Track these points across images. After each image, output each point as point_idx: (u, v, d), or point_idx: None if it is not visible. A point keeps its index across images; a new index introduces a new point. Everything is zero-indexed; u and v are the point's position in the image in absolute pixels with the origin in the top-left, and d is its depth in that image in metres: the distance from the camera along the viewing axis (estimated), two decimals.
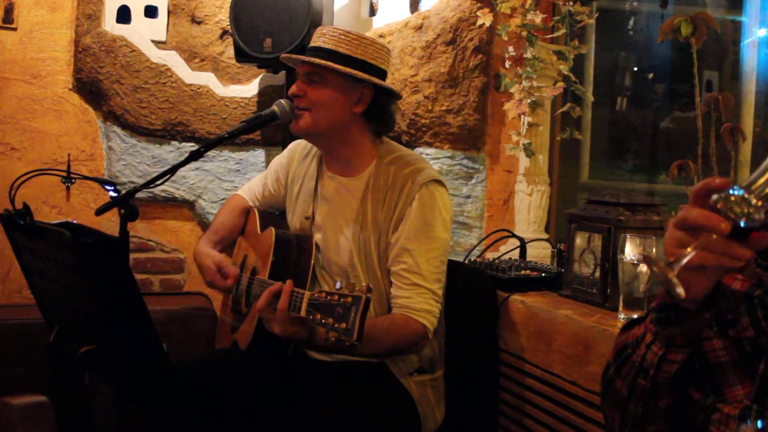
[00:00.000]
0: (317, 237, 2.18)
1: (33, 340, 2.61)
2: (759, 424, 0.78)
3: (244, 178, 3.38)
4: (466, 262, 2.69)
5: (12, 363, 2.72)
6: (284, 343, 2.11)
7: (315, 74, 2.07)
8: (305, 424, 1.92)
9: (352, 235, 2.10)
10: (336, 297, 1.64)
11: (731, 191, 0.97)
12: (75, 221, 1.71)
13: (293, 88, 2.09)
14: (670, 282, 1.00)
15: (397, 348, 2.01)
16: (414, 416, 2.07)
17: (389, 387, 2.05)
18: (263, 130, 3.34)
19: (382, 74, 2.12)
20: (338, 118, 2.08)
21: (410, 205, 2.04)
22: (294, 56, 2.14)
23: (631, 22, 3.65)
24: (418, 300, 2.00)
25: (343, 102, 2.08)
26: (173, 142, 3.37)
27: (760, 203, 0.96)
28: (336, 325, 1.61)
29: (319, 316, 1.65)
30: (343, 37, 2.07)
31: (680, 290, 1.00)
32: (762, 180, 0.96)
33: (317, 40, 2.10)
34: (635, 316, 1.97)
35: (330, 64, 2.03)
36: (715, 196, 0.98)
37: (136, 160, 3.34)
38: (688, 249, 0.99)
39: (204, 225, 3.41)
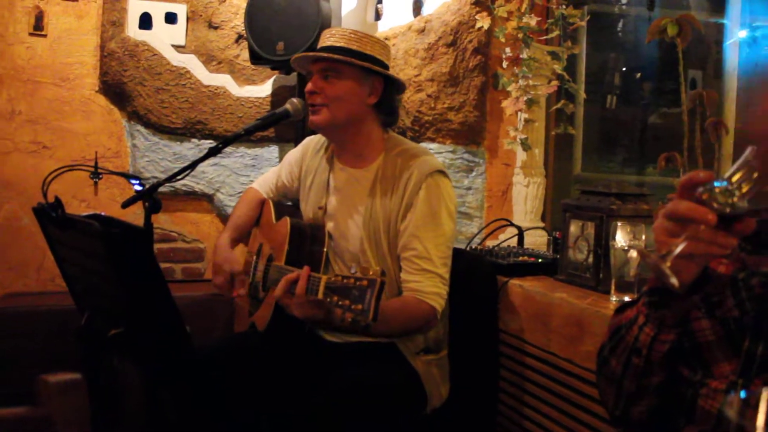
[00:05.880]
0: (330, 225, 2.18)
1: (66, 325, 2.61)
2: (743, 393, 0.78)
3: (259, 173, 3.38)
4: (468, 249, 2.69)
5: (48, 345, 2.73)
6: (299, 326, 2.12)
7: (331, 70, 2.06)
8: (318, 398, 1.92)
9: (363, 222, 2.10)
10: (352, 280, 1.63)
11: (715, 183, 0.97)
12: (103, 213, 1.71)
13: (309, 86, 2.07)
14: (663, 273, 1.00)
15: (409, 328, 2.02)
16: (420, 393, 2.07)
17: (397, 365, 2.05)
18: (277, 127, 3.34)
19: (387, 68, 2.13)
20: (355, 110, 2.08)
21: (417, 194, 2.04)
22: (309, 53, 2.11)
23: (620, 25, 3.64)
24: (428, 284, 2.00)
25: (359, 94, 2.08)
26: (193, 140, 3.37)
27: (743, 191, 0.96)
28: (352, 306, 1.61)
29: (336, 298, 1.64)
30: (352, 35, 2.08)
31: (674, 280, 1.00)
32: (742, 171, 0.96)
33: (327, 40, 2.10)
34: (626, 298, 1.97)
35: (349, 58, 2.03)
36: (700, 189, 0.98)
37: (158, 157, 3.34)
38: (679, 240, 0.99)
39: (222, 216, 3.41)
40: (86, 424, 2.32)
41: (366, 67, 2.05)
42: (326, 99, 2.05)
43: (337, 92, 2.05)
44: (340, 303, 1.63)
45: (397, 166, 2.10)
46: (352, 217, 2.13)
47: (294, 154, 2.39)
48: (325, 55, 2.05)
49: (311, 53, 2.11)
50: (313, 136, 2.36)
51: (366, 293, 1.59)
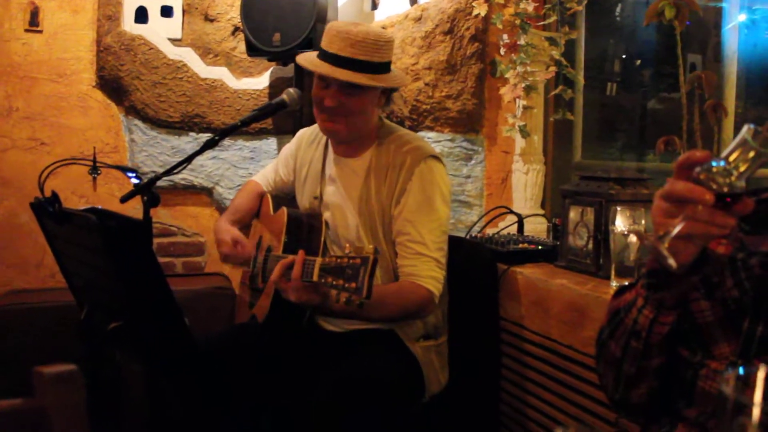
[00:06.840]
0: (326, 215, 2.19)
1: (66, 321, 2.62)
2: (741, 370, 0.78)
3: (258, 165, 3.38)
4: (468, 237, 2.69)
5: (49, 341, 2.73)
6: (299, 316, 2.12)
7: (353, 86, 2.00)
8: (318, 386, 1.93)
9: (358, 210, 2.10)
10: (345, 260, 1.64)
11: (713, 163, 0.96)
12: (100, 207, 1.70)
13: (329, 100, 2.01)
14: (661, 254, 0.99)
15: (406, 312, 2.01)
16: (419, 379, 2.07)
17: (396, 352, 2.06)
18: (275, 119, 3.34)
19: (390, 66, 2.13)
20: (370, 119, 2.11)
21: (410, 179, 2.04)
22: (338, 77, 1.97)
23: (618, 9, 3.61)
24: (423, 267, 2.00)
25: (375, 104, 2.10)
26: (191, 133, 3.37)
27: (741, 170, 0.95)
28: (346, 285, 1.62)
29: (330, 279, 1.66)
30: (372, 45, 1.99)
31: (672, 261, 1.00)
32: (740, 151, 0.96)
33: (346, 48, 1.97)
34: (627, 283, 1.96)
35: (377, 82, 2.00)
36: (697, 169, 0.97)
37: (156, 151, 3.34)
38: (676, 221, 0.98)
39: (222, 210, 3.41)
40: (80, 415, 2.33)
41: (390, 88, 2.08)
42: (347, 111, 2.04)
43: (358, 107, 2.04)
44: (334, 283, 1.64)
45: (390, 153, 2.10)
46: (348, 205, 2.14)
47: (289, 146, 2.40)
48: (358, 83, 1.97)
49: (339, 76, 1.97)
50: (306, 129, 2.36)
51: (359, 271, 1.61)
